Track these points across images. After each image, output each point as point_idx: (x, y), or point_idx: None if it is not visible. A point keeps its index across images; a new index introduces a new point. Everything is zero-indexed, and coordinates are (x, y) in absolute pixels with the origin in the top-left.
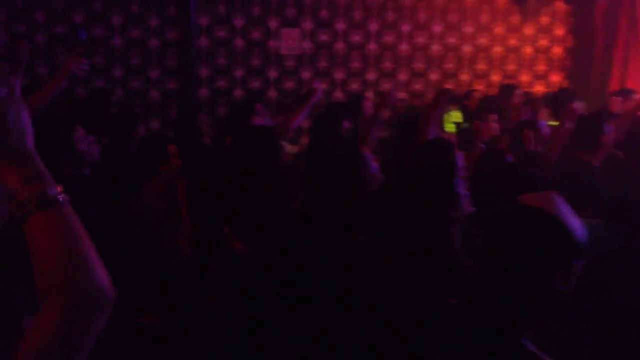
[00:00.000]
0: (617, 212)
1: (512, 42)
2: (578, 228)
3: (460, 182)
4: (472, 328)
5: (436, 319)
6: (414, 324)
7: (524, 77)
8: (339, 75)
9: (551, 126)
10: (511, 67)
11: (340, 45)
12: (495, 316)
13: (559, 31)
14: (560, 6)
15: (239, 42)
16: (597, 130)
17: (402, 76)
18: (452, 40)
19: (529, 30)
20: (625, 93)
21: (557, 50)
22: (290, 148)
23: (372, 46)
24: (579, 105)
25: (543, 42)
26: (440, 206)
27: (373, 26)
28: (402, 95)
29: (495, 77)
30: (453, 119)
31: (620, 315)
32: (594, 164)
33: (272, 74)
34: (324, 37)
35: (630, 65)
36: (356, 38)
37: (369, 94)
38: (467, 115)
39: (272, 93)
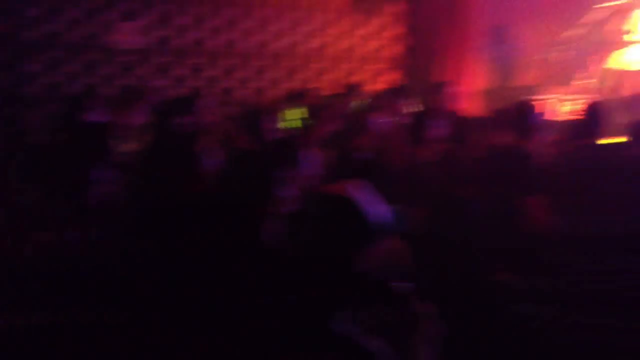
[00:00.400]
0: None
1: (352, 40)
2: (377, 212)
3: (285, 179)
4: (287, 324)
5: (249, 318)
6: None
7: (363, 75)
8: (179, 71)
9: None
10: (351, 65)
11: (179, 41)
12: (307, 305)
13: (398, 29)
14: (399, 5)
15: (73, 36)
16: (426, 126)
17: (244, 73)
18: (293, 37)
19: (367, 29)
20: (436, 87)
21: (396, 49)
22: (127, 146)
23: (213, 42)
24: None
25: (382, 40)
26: (256, 201)
27: (214, 22)
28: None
29: (335, 75)
30: (297, 115)
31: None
32: (425, 159)
33: (108, 69)
34: (163, 32)
35: (464, 63)
36: (196, 34)
37: (211, 91)
38: (310, 113)
39: (108, 89)
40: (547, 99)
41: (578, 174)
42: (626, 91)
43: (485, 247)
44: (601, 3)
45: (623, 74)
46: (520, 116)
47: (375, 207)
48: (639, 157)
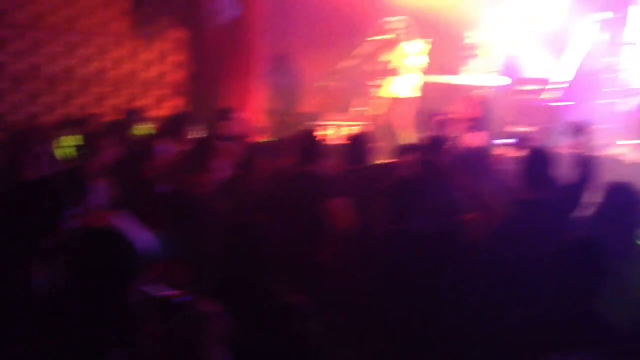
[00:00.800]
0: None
1: (134, 66)
2: (144, 241)
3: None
4: None
5: None
6: None
7: (146, 101)
8: None
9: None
10: (133, 90)
11: None
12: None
13: (179, 57)
14: (180, 33)
15: None
16: (210, 155)
17: (15, 97)
18: (69, 61)
19: (149, 55)
20: (224, 114)
21: (178, 76)
22: None
23: None
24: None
25: (164, 67)
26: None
27: None
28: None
29: (117, 101)
30: (71, 142)
31: None
32: (205, 188)
33: None
34: None
35: (246, 90)
36: None
37: None
38: (87, 140)
39: None
40: (327, 125)
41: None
42: (396, 118)
43: (277, 269)
44: (372, 37)
45: (393, 102)
46: (303, 142)
47: (142, 236)
48: (402, 178)
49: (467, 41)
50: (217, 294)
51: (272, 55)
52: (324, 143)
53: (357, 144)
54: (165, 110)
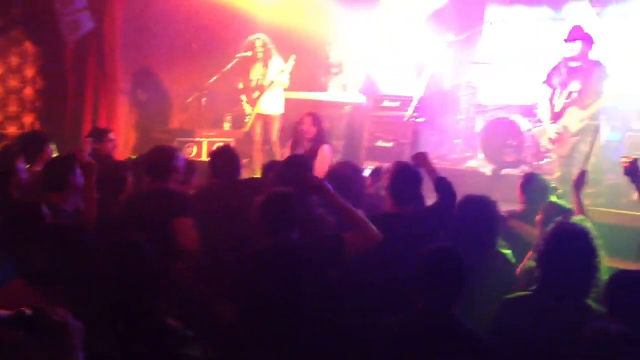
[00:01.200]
0: None
1: None
2: None
3: None
4: None
5: None
6: None
7: None
8: None
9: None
10: None
11: None
12: None
13: (29, 72)
14: (29, 47)
15: None
16: (67, 173)
17: None
18: None
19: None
20: (99, 134)
21: (28, 92)
22: None
23: None
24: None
25: (13, 82)
26: None
27: None
28: None
29: None
30: None
31: None
32: (62, 207)
33: None
34: None
35: (102, 106)
36: None
37: None
38: None
39: None
40: (199, 141)
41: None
42: (264, 133)
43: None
44: (239, 53)
45: (260, 118)
46: (152, 159)
47: None
48: (270, 192)
49: (329, 59)
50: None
51: (138, 71)
52: (184, 159)
53: (219, 159)
54: (19, 127)
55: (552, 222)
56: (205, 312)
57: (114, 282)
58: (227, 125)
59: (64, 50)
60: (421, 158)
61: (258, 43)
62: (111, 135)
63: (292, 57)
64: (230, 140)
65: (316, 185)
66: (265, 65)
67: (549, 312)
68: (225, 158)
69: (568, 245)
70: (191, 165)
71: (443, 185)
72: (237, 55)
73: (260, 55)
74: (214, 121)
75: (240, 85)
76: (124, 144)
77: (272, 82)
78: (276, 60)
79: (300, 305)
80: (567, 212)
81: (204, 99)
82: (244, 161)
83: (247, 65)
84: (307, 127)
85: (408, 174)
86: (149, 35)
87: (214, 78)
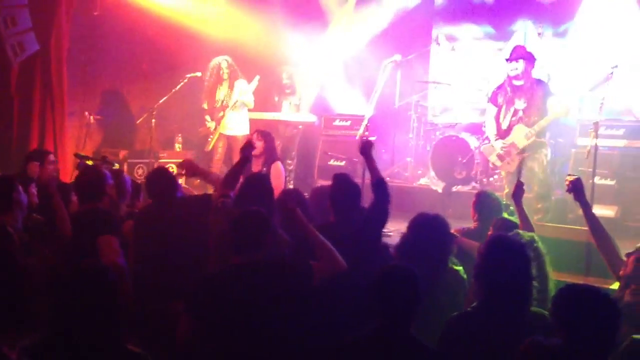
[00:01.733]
0: None
1: None
2: None
3: None
4: None
5: None
6: None
7: None
8: None
9: None
10: None
11: None
12: None
13: None
14: None
15: None
16: (10, 191)
17: None
18: None
19: None
20: (39, 156)
21: None
22: None
23: None
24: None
25: None
26: None
27: None
28: None
29: None
30: None
31: None
32: (8, 227)
33: None
34: None
35: (49, 128)
36: None
37: None
38: None
39: None
40: (149, 162)
41: None
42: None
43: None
44: (195, 73)
45: (227, 138)
46: (83, 180)
47: None
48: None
49: (282, 79)
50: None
51: (87, 92)
52: (130, 180)
53: (154, 180)
54: None
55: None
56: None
57: (72, 309)
58: (178, 146)
59: (9, 72)
60: (367, 146)
61: (224, 64)
62: (51, 157)
63: (256, 78)
64: (182, 161)
65: (291, 212)
66: (231, 87)
67: (488, 326)
68: (159, 179)
69: (502, 258)
70: (136, 186)
71: (381, 185)
72: (186, 76)
73: (225, 76)
74: (165, 142)
75: (205, 106)
76: (73, 166)
77: (236, 102)
78: (241, 81)
79: (267, 325)
80: (516, 227)
81: (154, 120)
82: (197, 182)
83: (212, 85)
84: (253, 143)
85: (345, 185)
86: (98, 56)
87: (164, 99)
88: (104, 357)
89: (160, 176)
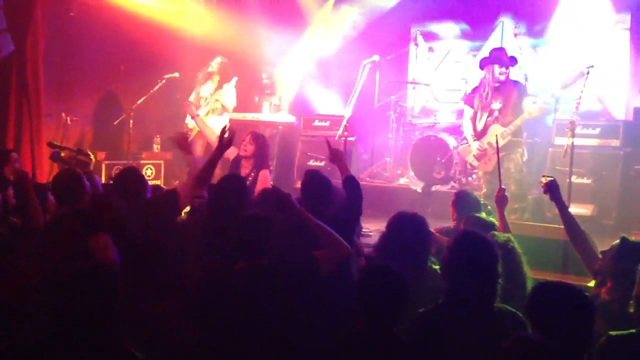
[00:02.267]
0: None
1: None
2: None
3: None
4: None
5: None
6: None
7: None
8: None
9: None
10: None
11: None
12: None
13: None
14: None
15: None
16: None
17: None
18: None
19: None
20: (3, 157)
21: None
22: None
23: None
24: None
25: None
26: None
27: None
28: None
29: None
30: None
31: None
32: None
33: None
34: None
35: (26, 129)
36: None
37: None
38: None
39: None
40: (127, 163)
41: None
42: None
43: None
44: (174, 73)
45: (206, 138)
46: (60, 182)
47: None
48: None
49: (262, 80)
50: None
51: (64, 93)
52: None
53: (122, 180)
54: None
55: None
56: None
57: (71, 309)
58: (157, 147)
59: None
60: (337, 154)
61: (215, 61)
62: (14, 155)
63: (234, 80)
64: (160, 162)
65: (287, 203)
66: (220, 87)
67: (455, 321)
68: (128, 179)
69: (468, 253)
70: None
71: (352, 184)
72: (164, 77)
73: (215, 74)
74: (143, 143)
75: (191, 98)
76: (49, 166)
77: (218, 102)
78: (229, 85)
79: (271, 329)
80: (489, 225)
81: (131, 121)
82: (175, 183)
83: (195, 84)
84: (245, 144)
85: (317, 181)
86: (75, 57)
87: (142, 100)
88: (104, 357)
89: (129, 176)
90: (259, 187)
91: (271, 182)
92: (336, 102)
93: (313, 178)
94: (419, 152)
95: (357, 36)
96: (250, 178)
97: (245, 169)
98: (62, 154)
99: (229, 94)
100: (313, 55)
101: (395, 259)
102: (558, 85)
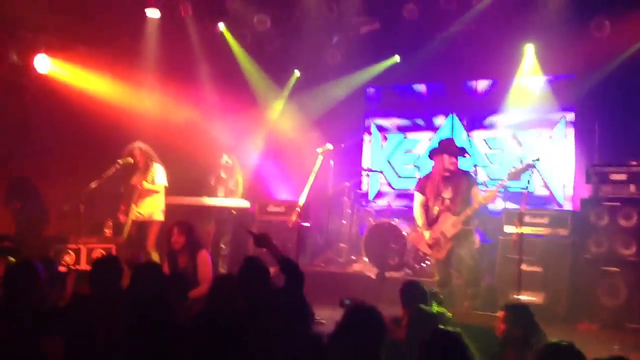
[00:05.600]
0: None
1: None
2: None
3: None
4: None
5: None
6: None
7: None
8: None
9: None
10: None
11: None
12: None
13: None
14: None
15: None
16: None
17: None
18: None
19: None
20: None
21: None
22: None
23: None
24: None
25: None
26: None
27: None
28: None
29: None
30: None
31: None
32: None
33: None
34: None
35: None
36: None
37: None
38: None
39: None
40: (76, 247)
41: None
42: (145, 239)
43: None
44: (120, 159)
45: (139, 224)
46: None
47: None
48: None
49: (220, 163)
50: None
51: (12, 179)
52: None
53: (99, 269)
54: None
55: (416, 327)
56: None
57: None
58: (108, 232)
59: None
60: (263, 239)
61: (137, 151)
62: None
63: (154, 164)
64: (111, 247)
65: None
66: (144, 172)
67: None
68: (103, 267)
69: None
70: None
71: (289, 266)
72: (118, 161)
73: (143, 160)
74: (94, 227)
75: (122, 190)
76: None
77: (153, 186)
78: (156, 166)
79: None
80: (433, 317)
81: (82, 205)
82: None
83: (128, 171)
84: (175, 237)
85: (255, 267)
86: (25, 140)
87: (94, 184)
88: None
89: (106, 266)
90: (202, 270)
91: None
92: (293, 187)
93: (250, 263)
94: (373, 238)
95: (312, 125)
96: (189, 268)
97: (182, 260)
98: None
99: (154, 176)
100: (269, 141)
101: (348, 350)
102: (506, 177)
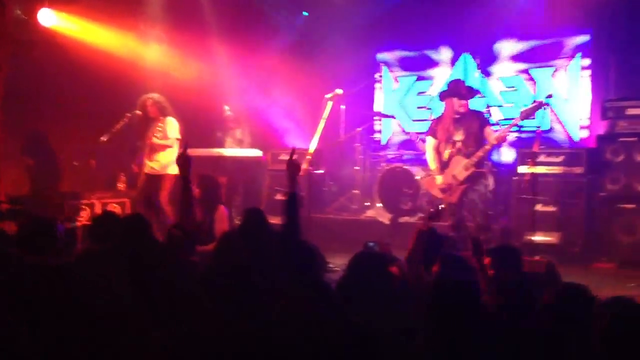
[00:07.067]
0: None
1: None
2: None
3: None
4: None
5: None
6: None
7: None
8: None
9: None
10: None
11: None
12: None
13: None
14: None
15: None
16: None
17: None
18: None
19: None
20: None
21: None
22: None
23: None
24: None
25: None
26: None
27: None
28: None
29: None
30: None
31: None
32: None
33: None
34: None
35: None
36: None
37: None
38: None
39: None
40: (91, 203)
41: None
42: (160, 193)
43: None
44: (130, 112)
45: (151, 177)
46: (26, 231)
47: None
48: None
49: (225, 114)
50: None
51: (24, 133)
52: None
53: (100, 224)
54: None
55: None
56: None
57: None
58: (121, 186)
59: None
60: (296, 166)
61: (149, 102)
62: None
63: (167, 118)
64: (125, 201)
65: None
66: (158, 124)
67: None
68: (104, 223)
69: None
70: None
71: (290, 203)
72: (126, 114)
73: (155, 113)
74: (108, 181)
75: (139, 143)
76: None
77: (167, 140)
78: (169, 119)
79: None
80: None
81: (94, 160)
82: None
83: (143, 124)
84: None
85: (254, 217)
86: (35, 97)
87: (104, 138)
88: None
89: (111, 222)
90: (219, 226)
91: (229, 218)
92: (304, 134)
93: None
94: (386, 184)
95: (321, 69)
96: (206, 222)
97: (199, 213)
98: None
99: (167, 131)
100: (277, 87)
101: (354, 298)
102: (519, 116)
